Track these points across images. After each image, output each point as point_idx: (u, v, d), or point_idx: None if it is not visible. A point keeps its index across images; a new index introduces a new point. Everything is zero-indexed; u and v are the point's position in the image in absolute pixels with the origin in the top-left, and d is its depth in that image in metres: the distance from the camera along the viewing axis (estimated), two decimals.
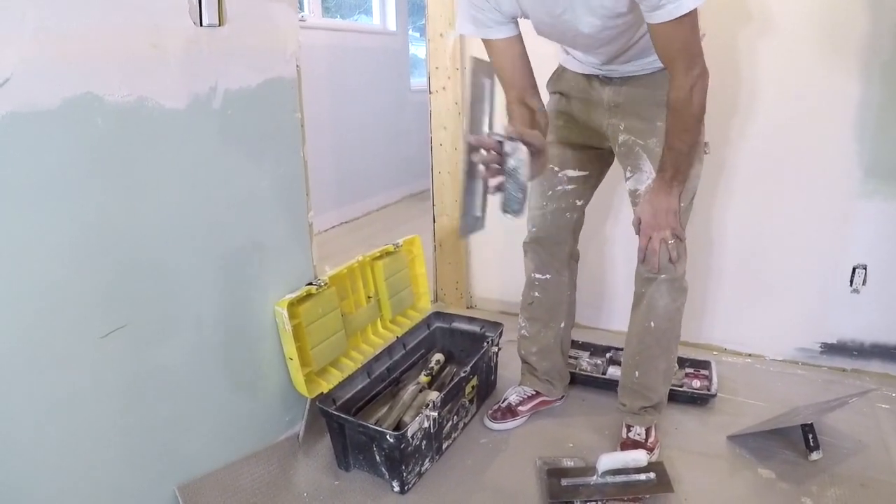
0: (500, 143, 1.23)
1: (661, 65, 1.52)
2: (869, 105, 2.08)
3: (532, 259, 1.95)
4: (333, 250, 3.50)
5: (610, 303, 2.60)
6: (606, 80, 1.72)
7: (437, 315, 2.35)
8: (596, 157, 1.85)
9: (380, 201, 4.83)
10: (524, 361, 2.05)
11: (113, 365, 1.35)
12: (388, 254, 2.17)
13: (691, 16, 1.36)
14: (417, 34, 5.60)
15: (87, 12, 1.22)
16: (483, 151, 1.23)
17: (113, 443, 1.38)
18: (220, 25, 1.48)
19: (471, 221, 1.30)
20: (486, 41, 1.57)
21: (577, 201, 1.87)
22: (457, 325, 2.30)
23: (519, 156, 1.23)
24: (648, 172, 1.66)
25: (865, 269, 2.23)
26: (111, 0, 1.26)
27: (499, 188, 1.25)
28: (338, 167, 4.27)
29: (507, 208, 1.26)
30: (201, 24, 1.44)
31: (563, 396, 2.09)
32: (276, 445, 1.81)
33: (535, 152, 1.32)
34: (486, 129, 1.26)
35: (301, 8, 3.98)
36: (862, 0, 2.00)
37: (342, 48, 4.28)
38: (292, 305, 1.74)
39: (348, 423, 1.71)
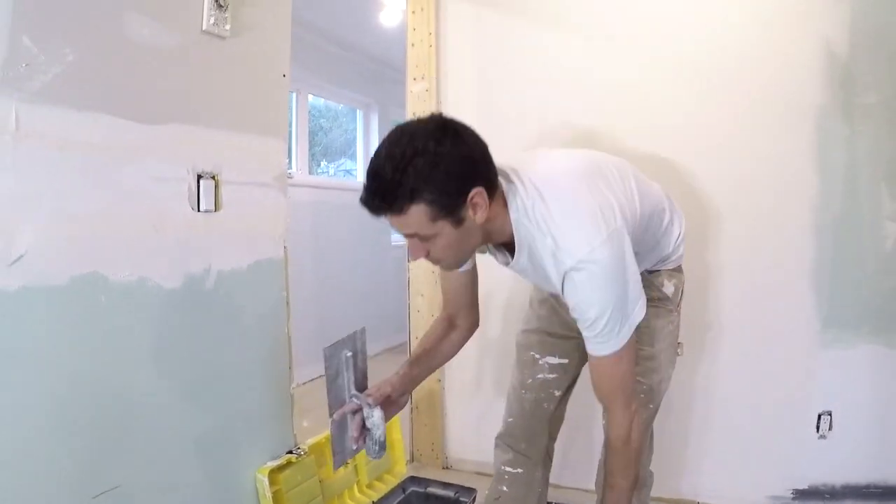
0: (360, 406, 1.46)
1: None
2: (823, 258, 2.24)
3: (504, 451, 1.82)
4: (312, 404, 3.45)
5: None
6: None
7: (413, 479, 2.35)
8: (576, 346, 1.75)
9: None
10: None
11: None
12: None
13: (628, 352, 1.37)
14: None
15: (98, 198, 1.36)
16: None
17: None
18: (216, 211, 1.62)
19: (346, 455, 1.52)
20: None
21: (555, 391, 1.79)
22: (432, 489, 2.31)
23: (374, 420, 1.45)
24: None
25: (831, 415, 2.29)
26: (120, 187, 1.40)
27: (361, 439, 1.48)
28: (319, 319, 4.33)
29: (368, 454, 1.50)
30: (199, 210, 1.58)
31: None
32: None
33: (394, 402, 1.53)
34: (348, 394, 1.47)
35: (289, 165, 4.21)
36: (813, 161, 2.22)
37: (326, 203, 4.51)
38: (273, 473, 1.79)
39: None
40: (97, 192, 1.35)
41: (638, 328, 1.53)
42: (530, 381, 1.78)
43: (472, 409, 2.80)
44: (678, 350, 1.72)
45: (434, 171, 1.20)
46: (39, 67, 1.23)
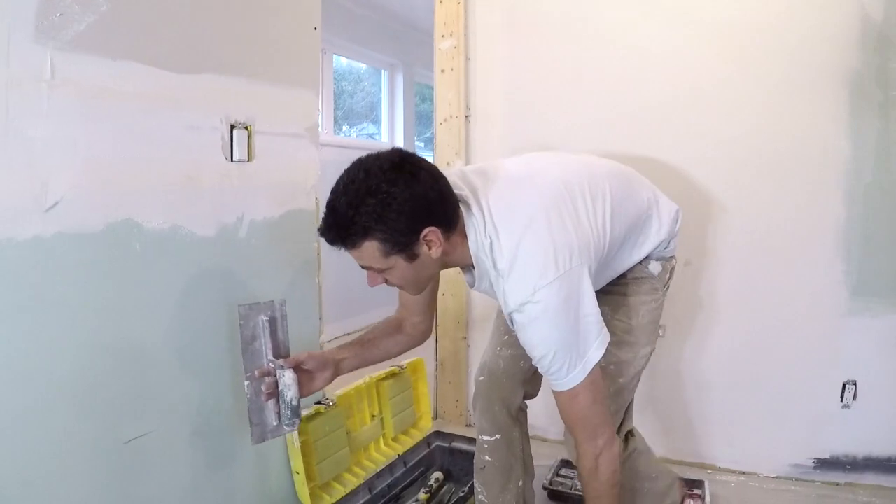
0: (274, 368, 1.42)
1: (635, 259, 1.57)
2: (853, 226, 2.21)
3: (479, 417, 1.80)
4: None
5: None
6: None
7: (438, 434, 2.40)
8: None
9: (381, 314, 4.86)
10: None
11: (133, 470, 1.41)
12: (393, 375, 2.27)
13: (586, 389, 1.33)
14: (422, 144, 5.80)
15: (132, 146, 1.37)
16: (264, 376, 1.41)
17: None
18: (248, 161, 1.63)
19: (266, 431, 1.44)
20: None
21: None
22: (456, 444, 2.35)
23: (284, 380, 1.41)
24: None
25: (855, 384, 2.27)
26: (154, 135, 1.41)
27: (272, 400, 1.42)
28: (342, 279, 4.33)
29: (283, 424, 1.44)
30: (232, 160, 1.59)
31: None
32: None
33: (309, 375, 1.48)
34: (266, 360, 1.43)
35: None
36: (844, 126, 2.18)
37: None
38: (302, 423, 1.79)
39: None
40: (131, 140, 1.36)
41: (616, 303, 1.56)
42: (507, 336, 1.74)
43: None
44: (660, 331, 1.69)
45: (386, 211, 1.22)
46: (73, 17, 1.24)
